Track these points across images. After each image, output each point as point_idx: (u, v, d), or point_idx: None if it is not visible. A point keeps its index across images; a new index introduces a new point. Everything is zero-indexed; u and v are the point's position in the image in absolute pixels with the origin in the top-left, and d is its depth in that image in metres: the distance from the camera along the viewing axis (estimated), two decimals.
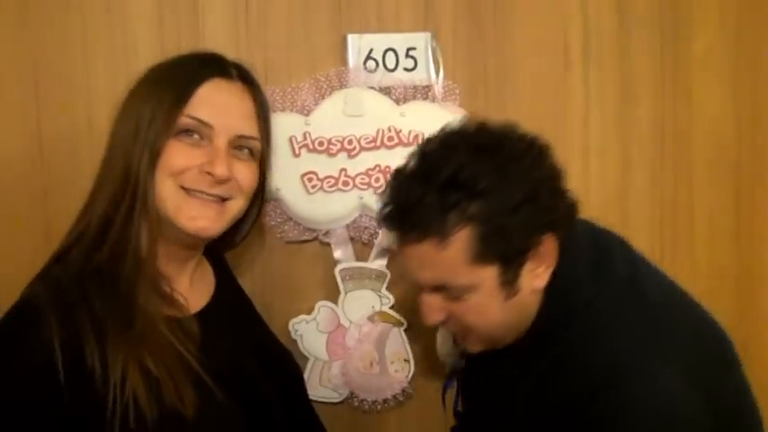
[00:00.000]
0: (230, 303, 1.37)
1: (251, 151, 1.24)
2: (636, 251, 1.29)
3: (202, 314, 1.27)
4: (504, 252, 1.15)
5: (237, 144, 1.22)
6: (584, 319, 1.20)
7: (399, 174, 1.19)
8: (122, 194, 1.19)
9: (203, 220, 1.19)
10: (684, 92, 1.67)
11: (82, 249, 1.21)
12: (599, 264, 1.22)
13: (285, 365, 1.37)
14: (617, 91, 1.65)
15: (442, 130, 1.21)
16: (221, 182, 1.19)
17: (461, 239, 1.13)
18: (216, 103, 1.21)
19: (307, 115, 1.52)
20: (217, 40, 1.48)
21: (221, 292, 1.34)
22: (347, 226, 1.55)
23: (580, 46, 1.64)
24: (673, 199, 1.70)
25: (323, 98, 1.53)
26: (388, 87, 1.55)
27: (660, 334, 1.18)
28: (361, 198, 1.52)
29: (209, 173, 1.18)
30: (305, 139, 1.49)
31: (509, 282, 1.17)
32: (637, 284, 1.22)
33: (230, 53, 1.27)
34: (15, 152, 1.48)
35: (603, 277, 1.21)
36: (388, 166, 1.51)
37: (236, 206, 1.23)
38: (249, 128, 1.24)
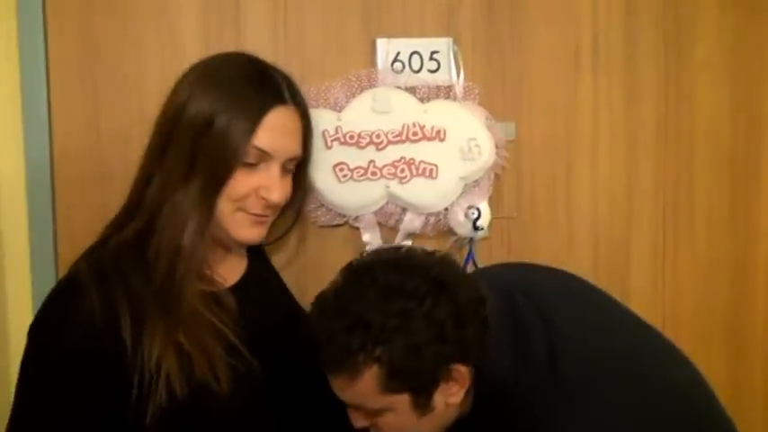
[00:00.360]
0: (262, 277, 1.44)
1: (293, 166, 1.33)
2: (557, 310, 1.28)
3: (237, 288, 1.35)
4: (413, 385, 1.18)
5: (286, 166, 1.30)
6: (510, 411, 1.22)
7: (318, 306, 1.22)
8: (177, 190, 1.25)
9: (254, 234, 1.29)
10: (685, 94, 1.77)
11: (124, 233, 1.28)
12: (518, 350, 1.22)
13: None
14: (623, 93, 1.75)
15: (356, 266, 1.23)
16: (274, 206, 1.29)
17: (370, 376, 1.16)
18: (277, 133, 1.27)
19: (339, 111, 1.62)
20: (257, 44, 1.58)
21: (254, 267, 1.42)
22: (375, 212, 1.65)
23: (590, 51, 1.73)
24: (674, 193, 1.79)
25: (354, 96, 1.63)
26: (413, 87, 1.65)
27: (580, 413, 1.17)
28: (388, 187, 1.62)
29: (263, 198, 1.27)
30: (337, 132, 1.60)
31: (422, 404, 1.20)
32: (554, 366, 1.21)
33: (269, 54, 1.37)
34: (76, 144, 1.59)
35: (522, 366, 1.21)
36: (412, 158, 1.62)
37: (276, 215, 1.34)
38: (298, 148, 1.32)
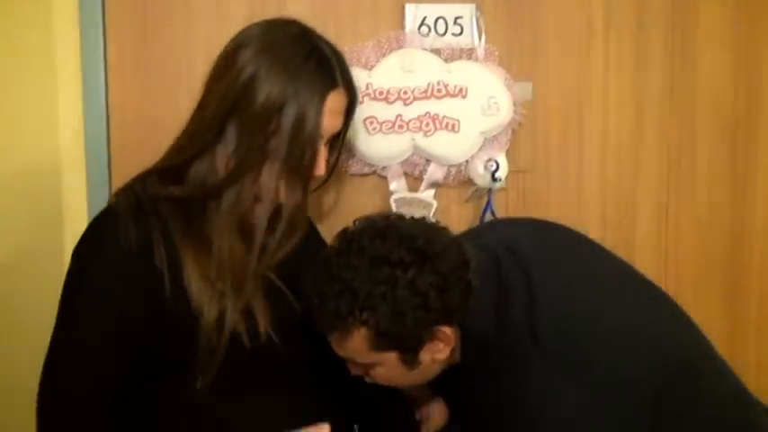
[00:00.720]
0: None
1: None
2: (538, 265, 1.34)
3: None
4: (399, 345, 1.27)
5: (329, 140, 1.36)
6: (493, 360, 1.30)
7: (310, 273, 1.28)
8: (246, 172, 1.30)
9: (298, 197, 1.34)
10: (690, 59, 1.87)
11: (164, 174, 1.34)
12: (499, 308, 1.29)
13: None
14: (632, 57, 1.86)
15: (347, 234, 1.30)
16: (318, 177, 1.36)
17: (359, 336, 1.25)
18: (330, 117, 1.33)
19: (370, 70, 1.74)
20: (296, 8, 1.70)
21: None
22: (401, 162, 1.77)
23: (602, 18, 1.84)
24: (678, 152, 1.90)
25: (383, 56, 1.75)
26: (438, 49, 1.77)
27: (555, 374, 1.24)
28: (414, 139, 1.75)
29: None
30: (367, 89, 1.73)
31: (409, 361, 1.29)
32: (531, 324, 1.28)
33: (308, 17, 1.42)
34: (130, 103, 1.74)
35: (503, 323, 1.29)
36: (436, 113, 1.74)
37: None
38: (341, 124, 1.38)
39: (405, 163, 1.79)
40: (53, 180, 1.74)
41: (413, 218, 1.33)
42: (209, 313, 1.27)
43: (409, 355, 1.28)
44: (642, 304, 1.38)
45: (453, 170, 1.80)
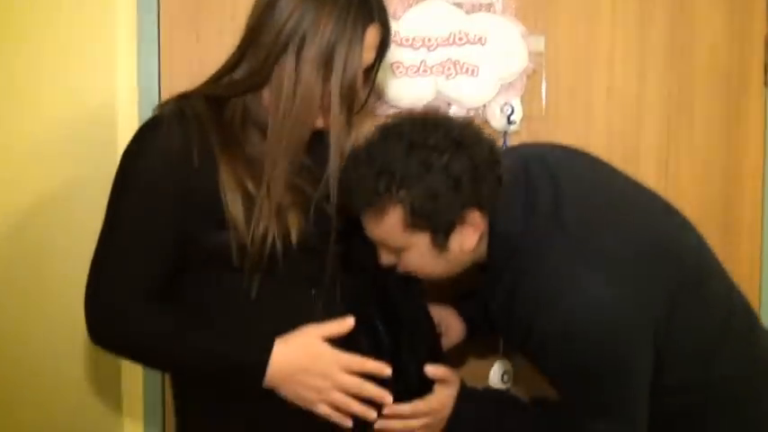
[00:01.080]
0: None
1: None
2: (566, 170, 1.44)
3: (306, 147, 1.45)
4: (431, 226, 1.34)
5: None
6: (519, 256, 1.38)
7: (351, 157, 1.37)
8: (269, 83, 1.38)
9: (340, 125, 1.40)
10: (688, 17, 2.00)
11: (210, 99, 1.41)
12: (527, 206, 1.38)
13: None
14: (637, 15, 1.99)
15: (388, 124, 1.38)
16: None
17: (393, 215, 1.33)
18: (366, 51, 1.41)
19: (397, 20, 1.88)
20: None
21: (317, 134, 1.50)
22: (424, 105, 1.89)
23: None
24: (678, 104, 2.02)
25: (410, 7, 1.89)
26: (460, 2, 1.91)
27: (581, 257, 1.34)
28: (437, 83, 1.89)
29: None
30: (395, 36, 1.80)
31: (440, 245, 1.36)
32: (558, 216, 1.37)
33: None
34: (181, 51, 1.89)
35: (529, 219, 1.38)
36: (457, 59, 1.88)
37: None
38: (374, 57, 1.45)
39: (428, 106, 1.91)
40: (109, 123, 1.89)
41: (454, 114, 1.42)
42: (238, 216, 1.35)
43: (440, 237, 1.36)
44: (659, 210, 1.51)
45: (472, 113, 1.93)
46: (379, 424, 1.46)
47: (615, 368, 1.36)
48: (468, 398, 1.54)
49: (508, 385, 1.96)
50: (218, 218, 1.37)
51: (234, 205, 1.36)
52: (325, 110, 1.40)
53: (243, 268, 1.38)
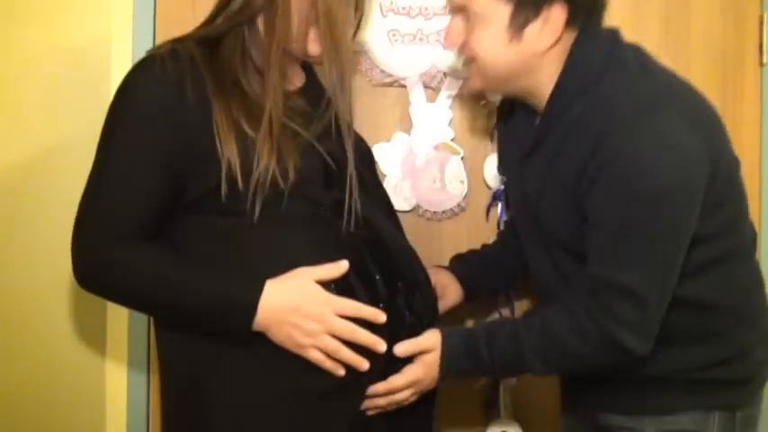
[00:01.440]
0: (320, 89, 1.56)
1: None
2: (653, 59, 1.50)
3: (303, 91, 1.52)
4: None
5: None
6: (595, 87, 1.40)
7: None
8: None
9: (318, 48, 1.44)
10: None
11: (200, 41, 1.43)
12: (611, 53, 1.43)
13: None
14: None
15: None
16: None
17: None
18: None
19: None
20: None
21: (310, 80, 1.58)
22: (420, 74, 1.91)
23: None
24: None
25: None
26: None
27: (663, 93, 1.39)
28: (432, 52, 1.90)
29: None
30: (391, 4, 1.89)
31: (516, 27, 1.39)
32: (642, 64, 1.44)
33: None
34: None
35: (614, 62, 1.42)
36: None
37: None
38: None
39: (424, 74, 1.93)
40: (103, 53, 1.89)
41: None
42: (232, 156, 1.34)
43: (520, 18, 1.39)
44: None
45: (466, 83, 1.91)
46: (367, 404, 1.42)
47: (670, 210, 1.34)
48: (452, 345, 1.47)
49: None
50: (211, 157, 1.35)
51: (227, 145, 1.35)
52: (320, 30, 1.41)
53: (236, 210, 1.35)
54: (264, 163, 1.35)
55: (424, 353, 1.44)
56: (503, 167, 1.74)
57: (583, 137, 1.39)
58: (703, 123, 1.42)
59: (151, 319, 1.82)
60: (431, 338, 1.46)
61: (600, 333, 1.39)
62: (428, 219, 1.96)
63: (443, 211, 1.95)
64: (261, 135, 1.36)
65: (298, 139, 1.41)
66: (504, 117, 1.69)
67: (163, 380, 1.49)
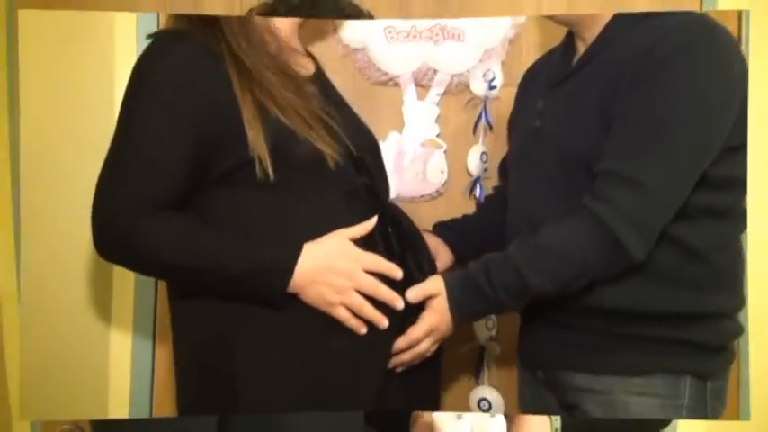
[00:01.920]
0: (326, 78, 1.64)
1: None
2: None
3: (314, 78, 1.57)
4: None
5: None
6: (644, 20, 1.45)
7: None
8: None
9: None
10: None
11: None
12: None
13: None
14: None
15: None
16: None
17: None
18: None
19: None
20: None
21: (319, 69, 1.64)
22: (413, 72, 1.99)
23: None
24: None
25: None
26: None
27: (718, 29, 1.41)
28: (425, 49, 1.98)
29: None
30: None
31: None
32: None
33: None
34: None
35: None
36: (445, 25, 1.97)
37: None
38: None
39: (416, 72, 2.01)
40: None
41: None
42: (258, 140, 1.36)
43: None
44: None
45: (455, 80, 2.02)
46: (394, 361, 1.47)
47: (708, 114, 1.38)
48: (454, 285, 1.51)
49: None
50: (244, 133, 1.36)
51: (254, 131, 1.36)
52: None
53: (271, 185, 1.38)
54: (285, 146, 1.38)
55: (432, 297, 1.49)
56: (516, 115, 1.82)
57: (629, 51, 1.43)
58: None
59: (160, 287, 1.87)
60: (435, 283, 1.51)
61: (599, 230, 1.40)
62: (407, 202, 2.00)
63: (421, 196, 2.02)
64: (289, 118, 1.39)
65: (328, 121, 1.44)
66: (527, 80, 1.80)
67: (181, 340, 1.49)
